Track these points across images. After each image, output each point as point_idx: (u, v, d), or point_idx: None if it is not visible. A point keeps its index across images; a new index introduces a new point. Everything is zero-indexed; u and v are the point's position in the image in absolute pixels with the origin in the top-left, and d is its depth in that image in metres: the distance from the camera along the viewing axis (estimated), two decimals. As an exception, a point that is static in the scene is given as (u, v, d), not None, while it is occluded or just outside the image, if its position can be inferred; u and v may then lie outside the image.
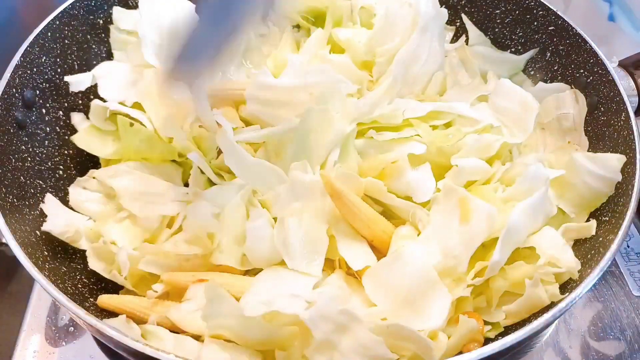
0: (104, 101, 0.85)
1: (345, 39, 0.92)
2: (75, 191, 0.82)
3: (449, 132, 0.80)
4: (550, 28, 0.92)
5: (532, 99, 0.85)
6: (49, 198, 0.79)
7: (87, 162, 0.87)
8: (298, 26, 1.02)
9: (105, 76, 0.89)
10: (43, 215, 0.77)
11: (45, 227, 0.74)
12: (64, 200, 0.82)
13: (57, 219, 0.77)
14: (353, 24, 0.98)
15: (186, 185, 0.81)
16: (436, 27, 0.90)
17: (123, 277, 0.72)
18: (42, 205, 0.77)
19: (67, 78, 0.88)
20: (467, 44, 1.01)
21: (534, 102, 0.84)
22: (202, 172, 0.81)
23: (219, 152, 0.81)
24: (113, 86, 0.86)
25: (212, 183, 0.80)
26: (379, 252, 0.73)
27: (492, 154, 0.79)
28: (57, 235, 0.75)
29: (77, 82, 0.87)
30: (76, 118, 0.87)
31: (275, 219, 0.73)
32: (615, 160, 0.75)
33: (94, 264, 0.75)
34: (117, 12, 0.96)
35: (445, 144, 0.77)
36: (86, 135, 0.84)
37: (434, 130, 0.80)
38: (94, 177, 0.82)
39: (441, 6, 1.03)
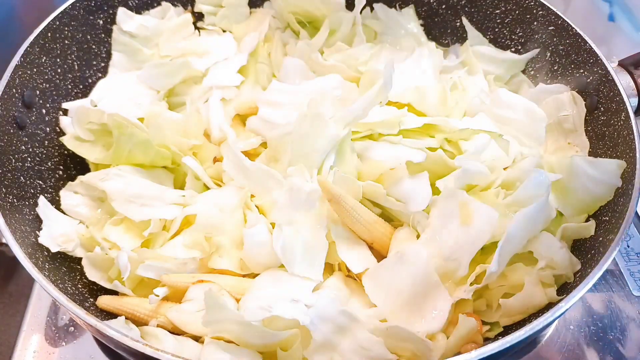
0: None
1: (330, 65, 0.92)
2: (66, 195, 0.81)
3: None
4: (550, 28, 0.92)
5: (537, 107, 0.85)
6: (42, 202, 0.78)
7: (88, 163, 0.86)
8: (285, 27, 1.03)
9: (104, 98, 0.90)
10: (43, 216, 0.77)
11: (41, 240, 0.74)
12: (64, 202, 0.82)
13: (52, 225, 0.76)
14: (354, 35, 0.98)
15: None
16: (432, 61, 0.92)
17: (123, 282, 0.72)
18: (37, 209, 0.77)
19: (65, 105, 0.88)
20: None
21: (540, 111, 0.84)
22: (197, 179, 0.81)
23: (214, 161, 0.83)
24: (114, 106, 0.86)
25: (207, 189, 0.81)
26: (379, 254, 0.73)
27: (509, 165, 0.80)
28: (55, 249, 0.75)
29: (76, 107, 0.85)
30: (64, 121, 0.87)
31: (273, 224, 0.73)
32: (615, 166, 0.75)
33: (91, 274, 0.75)
34: (122, 13, 0.96)
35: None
36: (75, 138, 0.83)
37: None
38: (81, 182, 0.81)
39: (441, 6, 1.03)
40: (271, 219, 0.73)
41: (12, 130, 0.78)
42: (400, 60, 0.92)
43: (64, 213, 0.81)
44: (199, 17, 1.04)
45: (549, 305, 0.68)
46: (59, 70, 0.88)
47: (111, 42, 0.96)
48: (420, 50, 0.96)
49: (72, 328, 0.82)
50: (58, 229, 0.77)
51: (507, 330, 0.70)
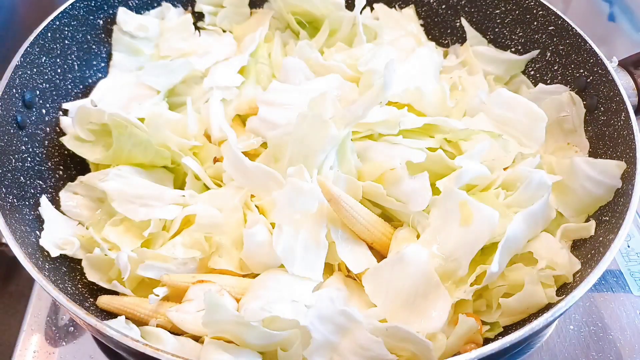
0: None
1: (330, 65, 0.92)
2: (65, 196, 0.81)
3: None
4: (550, 28, 0.92)
5: (538, 108, 0.84)
6: (45, 202, 0.79)
7: (88, 163, 0.86)
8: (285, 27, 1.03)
9: (105, 98, 0.90)
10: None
11: (42, 243, 0.74)
12: (64, 202, 0.82)
13: (53, 228, 0.76)
14: (354, 35, 0.98)
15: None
16: (432, 61, 0.93)
17: (123, 282, 0.72)
18: (39, 209, 0.77)
19: (65, 105, 0.88)
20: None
21: (541, 111, 0.84)
22: (197, 179, 0.81)
23: (215, 160, 0.83)
24: (114, 106, 0.86)
25: (207, 190, 0.81)
26: (379, 254, 0.73)
27: (508, 165, 0.80)
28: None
29: (77, 108, 0.84)
30: (65, 122, 0.86)
31: (273, 224, 0.73)
32: (615, 167, 0.75)
33: (91, 275, 0.75)
34: (122, 13, 0.96)
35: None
36: (75, 138, 0.83)
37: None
38: (81, 182, 0.81)
39: (441, 6, 1.04)
40: (271, 219, 0.73)
41: (12, 130, 0.78)
42: (400, 60, 0.92)
43: (64, 214, 0.81)
44: (199, 17, 1.04)
45: (549, 305, 0.68)
46: (59, 70, 0.88)
47: (111, 42, 0.96)
48: (420, 50, 0.96)
49: (72, 328, 0.82)
50: (59, 233, 0.77)
51: (507, 330, 0.70)
